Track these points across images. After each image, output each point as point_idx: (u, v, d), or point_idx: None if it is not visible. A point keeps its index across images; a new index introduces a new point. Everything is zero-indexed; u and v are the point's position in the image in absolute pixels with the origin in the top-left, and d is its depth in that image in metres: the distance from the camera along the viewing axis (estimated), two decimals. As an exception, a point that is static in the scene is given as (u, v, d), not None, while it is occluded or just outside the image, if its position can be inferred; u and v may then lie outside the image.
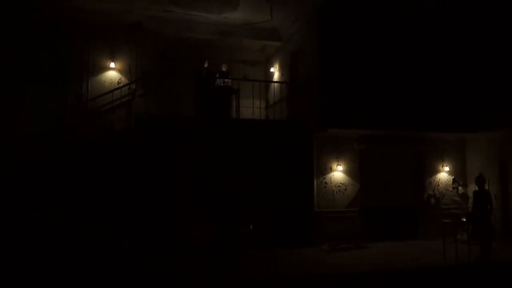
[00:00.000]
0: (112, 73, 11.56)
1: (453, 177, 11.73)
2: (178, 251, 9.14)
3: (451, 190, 11.66)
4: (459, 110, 10.96)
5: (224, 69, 11.43)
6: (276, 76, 13.25)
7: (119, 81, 11.52)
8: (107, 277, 7.28)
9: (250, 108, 11.26)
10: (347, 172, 10.91)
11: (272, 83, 12.97)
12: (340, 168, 10.84)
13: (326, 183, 10.75)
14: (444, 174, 11.76)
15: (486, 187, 9.14)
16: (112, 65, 11.51)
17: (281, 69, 12.94)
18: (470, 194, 10.59)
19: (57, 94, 10.99)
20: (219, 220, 9.82)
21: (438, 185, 11.69)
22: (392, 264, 8.47)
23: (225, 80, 11.20)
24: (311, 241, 10.22)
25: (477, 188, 9.07)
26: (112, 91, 11.00)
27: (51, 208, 8.45)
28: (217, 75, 11.23)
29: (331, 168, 10.82)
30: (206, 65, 11.31)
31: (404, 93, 10.63)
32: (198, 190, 9.91)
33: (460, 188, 11.59)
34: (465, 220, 9.09)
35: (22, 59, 10.82)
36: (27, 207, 8.37)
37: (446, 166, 11.77)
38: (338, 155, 10.87)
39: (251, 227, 9.76)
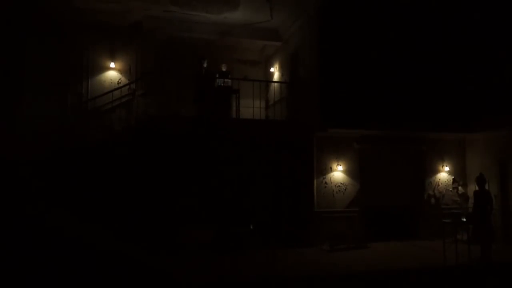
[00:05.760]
0: (112, 73, 11.57)
1: (453, 177, 11.72)
2: (178, 251, 9.14)
3: (451, 190, 11.66)
4: (459, 110, 10.96)
5: (224, 69, 11.42)
6: (276, 76, 13.25)
7: (119, 81, 11.53)
8: (107, 277, 7.28)
9: (250, 108, 11.25)
10: (347, 172, 10.92)
11: (272, 83, 12.97)
12: (340, 168, 10.84)
13: (326, 183, 10.75)
14: (444, 174, 11.76)
15: (486, 187, 9.14)
16: (112, 65, 11.52)
17: (281, 69, 12.94)
18: (470, 194, 10.59)
19: (57, 94, 10.99)
20: (219, 220, 9.82)
21: (438, 185, 11.69)
22: (392, 264, 8.47)
23: (225, 80, 11.20)
24: (311, 241, 10.22)
25: (477, 188, 9.07)
26: (112, 91, 11.00)
27: (50, 208, 8.45)
28: (217, 75, 11.23)
29: (331, 168, 10.82)
30: (205, 65, 11.30)
31: (404, 93, 10.64)
32: (198, 190, 9.90)
33: (460, 188, 11.59)
34: (465, 220, 9.08)
35: (22, 59, 10.82)
36: (27, 207, 8.37)
37: (446, 166, 11.77)
38: (338, 155, 10.88)
39: (251, 227, 9.76)
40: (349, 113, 10.18)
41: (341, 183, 10.85)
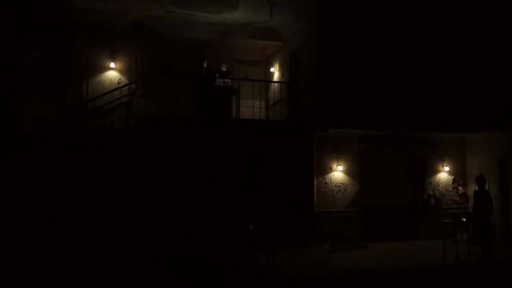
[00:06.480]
0: (112, 73, 11.57)
1: (453, 177, 11.72)
2: (178, 252, 9.14)
3: (451, 190, 11.66)
4: (459, 110, 10.96)
5: (224, 69, 11.42)
6: (276, 76, 13.25)
7: (119, 81, 11.53)
8: (106, 279, 7.28)
9: (250, 108, 11.25)
10: (347, 172, 10.91)
11: (272, 83, 12.97)
12: (340, 168, 10.84)
13: (326, 183, 10.75)
14: (444, 174, 11.76)
15: (486, 187, 9.14)
16: (112, 65, 11.52)
17: (281, 69, 12.93)
18: (470, 194, 10.60)
19: (57, 94, 10.99)
20: (219, 220, 9.82)
21: (438, 185, 11.69)
22: (392, 264, 8.47)
23: (225, 80, 11.20)
24: (311, 241, 10.22)
25: (477, 188, 9.07)
26: (112, 91, 10.99)
27: (50, 208, 8.45)
28: (217, 75, 11.22)
29: (331, 168, 10.82)
30: (205, 65, 11.31)
31: (404, 93, 10.64)
32: (198, 190, 9.90)
33: (460, 188, 11.59)
34: (465, 220, 9.08)
35: (22, 59, 10.81)
36: (26, 207, 8.37)
37: (446, 166, 11.77)
38: (338, 155, 10.87)
39: (251, 227, 9.75)
40: (349, 113, 10.18)
41: (341, 183, 10.85)
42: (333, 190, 10.78)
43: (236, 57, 13.16)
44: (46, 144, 9.69)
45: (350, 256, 9.34)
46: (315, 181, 10.65)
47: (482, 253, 8.70)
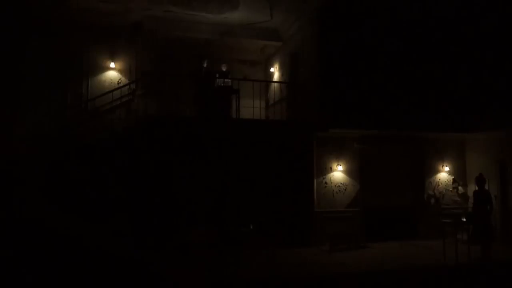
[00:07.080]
0: (112, 73, 11.57)
1: (453, 177, 11.73)
2: (178, 252, 9.14)
3: (451, 190, 11.66)
4: (459, 110, 10.96)
5: (224, 69, 11.42)
6: (276, 76, 13.25)
7: (119, 81, 11.53)
8: (106, 279, 7.28)
9: (250, 108, 11.25)
10: (347, 172, 10.92)
11: (272, 83, 12.97)
12: (340, 168, 10.84)
13: (326, 183, 10.76)
14: (444, 174, 11.76)
15: (486, 187, 9.15)
16: (112, 65, 11.52)
17: (281, 69, 12.94)
18: (470, 194, 10.59)
19: (57, 94, 10.99)
20: (219, 220, 9.82)
21: (438, 185, 11.69)
22: (392, 264, 8.47)
23: (225, 80, 11.19)
24: (311, 241, 10.23)
25: (477, 188, 9.08)
26: (112, 91, 10.99)
27: (51, 208, 8.45)
28: (217, 75, 11.22)
29: (331, 168, 10.82)
30: (205, 65, 11.31)
31: (404, 93, 10.65)
32: (198, 190, 9.90)
33: (460, 188, 11.59)
34: (465, 220, 9.09)
35: (22, 59, 10.81)
36: (26, 207, 8.37)
37: (446, 166, 11.77)
38: (338, 155, 10.88)
39: (251, 227, 9.75)
40: (349, 113, 10.19)
41: (341, 183, 10.85)
42: (333, 190, 10.78)
43: (236, 57, 13.16)
44: (45, 144, 9.69)
45: (350, 256, 9.34)
46: (315, 181, 10.65)
47: (482, 253, 8.70)
